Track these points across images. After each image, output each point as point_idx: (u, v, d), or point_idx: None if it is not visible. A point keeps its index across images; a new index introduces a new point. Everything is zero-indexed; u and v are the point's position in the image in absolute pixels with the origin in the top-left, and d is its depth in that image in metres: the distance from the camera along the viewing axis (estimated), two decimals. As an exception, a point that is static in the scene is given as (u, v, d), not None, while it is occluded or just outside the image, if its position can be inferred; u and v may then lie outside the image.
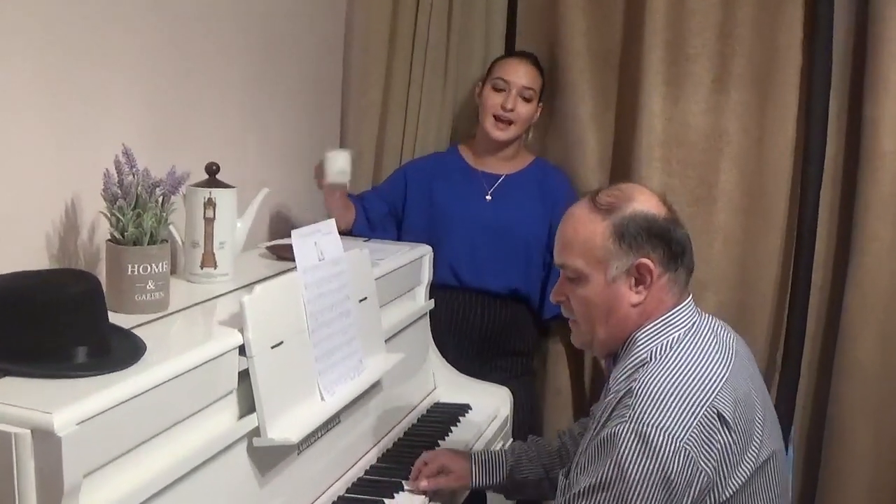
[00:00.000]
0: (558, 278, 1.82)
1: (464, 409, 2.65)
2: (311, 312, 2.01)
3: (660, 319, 1.72)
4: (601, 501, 1.58)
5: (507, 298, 2.94)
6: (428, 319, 2.79)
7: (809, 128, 2.80)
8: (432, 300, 2.80)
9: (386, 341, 2.37)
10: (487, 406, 2.68)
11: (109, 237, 1.90)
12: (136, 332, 1.71)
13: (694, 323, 1.74)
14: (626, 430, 1.57)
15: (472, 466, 2.12)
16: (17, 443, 1.31)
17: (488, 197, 2.94)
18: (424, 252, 2.77)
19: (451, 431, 2.49)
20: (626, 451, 1.56)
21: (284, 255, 2.43)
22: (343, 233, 2.61)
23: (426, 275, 2.78)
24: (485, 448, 2.48)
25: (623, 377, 1.70)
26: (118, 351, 1.58)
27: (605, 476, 1.57)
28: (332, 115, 3.22)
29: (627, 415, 1.59)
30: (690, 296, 1.78)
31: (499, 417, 2.67)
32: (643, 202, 1.73)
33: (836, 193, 2.86)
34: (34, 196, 1.93)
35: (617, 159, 3.07)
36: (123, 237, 1.86)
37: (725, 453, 1.59)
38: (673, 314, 1.73)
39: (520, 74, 2.89)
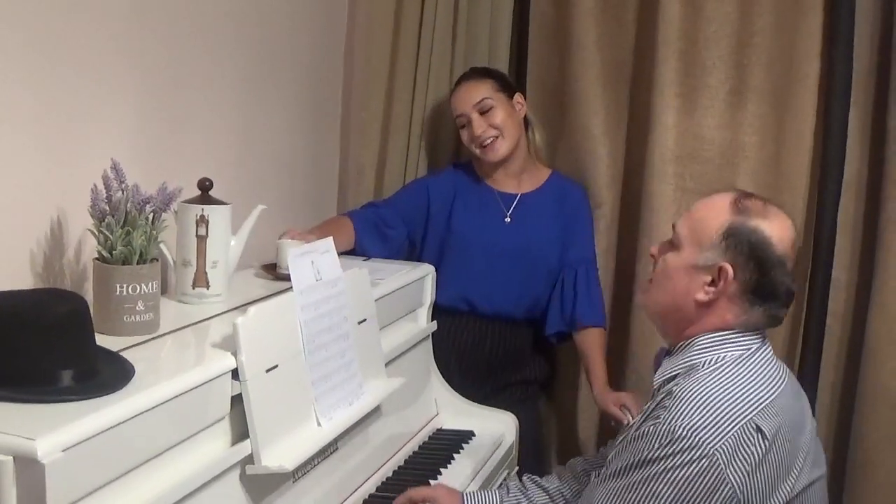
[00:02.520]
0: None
1: (467, 435, 2.65)
2: (307, 335, 2.02)
3: (725, 333, 1.78)
4: (616, 488, 1.67)
5: (520, 323, 2.95)
6: (430, 342, 2.79)
7: (828, 141, 2.81)
8: (434, 322, 2.81)
9: (386, 365, 2.38)
10: (492, 432, 2.68)
11: (97, 255, 1.91)
12: (125, 354, 1.72)
13: (758, 348, 1.79)
14: (657, 428, 1.65)
15: None
16: (-2, 470, 1.32)
17: (508, 219, 2.93)
18: (427, 272, 2.78)
19: (454, 459, 2.49)
20: (653, 445, 1.63)
21: (280, 274, 2.44)
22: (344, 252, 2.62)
23: (428, 296, 2.79)
24: (490, 475, 2.49)
25: (665, 378, 1.78)
26: (105, 374, 1.59)
27: (628, 463, 1.66)
28: (332, 128, 3.24)
29: (662, 416, 1.66)
30: (765, 334, 1.84)
31: (504, 444, 2.67)
32: (773, 228, 1.78)
33: (858, 210, 2.85)
34: (18, 212, 1.94)
35: (629, 174, 3.08)
36: (112, 256, 1.87)
37: (760, 470, 1.63)
38: (739, 334, 1.79)
39: (466, 100, 2.87)
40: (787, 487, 1.68)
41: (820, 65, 2.81)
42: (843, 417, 2.91)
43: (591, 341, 2.90)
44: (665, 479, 1.62)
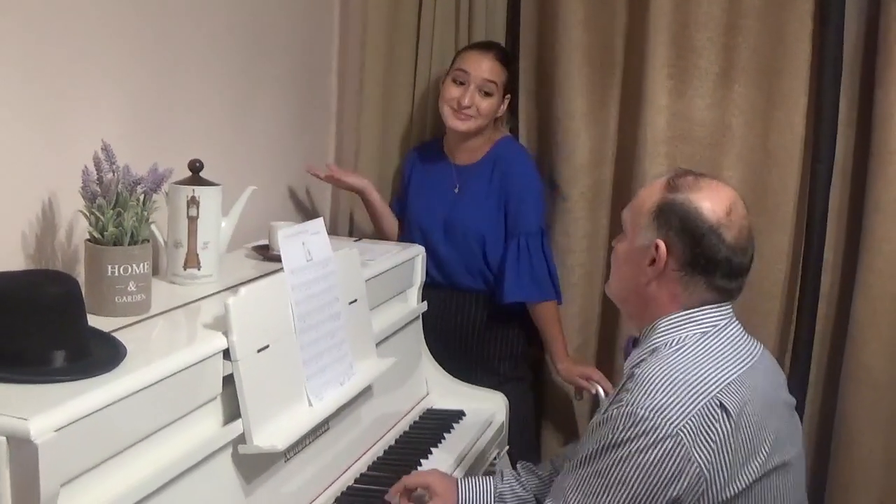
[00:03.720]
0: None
1: (457, 415, 2.66)
2: (298, 315, 2.03)
3: (685, 313, 1.77)
4: (585, 475, 1.67)
5: (481, 295, 2.95)
6: (420, 322, 2.80)
7: (819, 123, 2.81)
8: (425, 302, 2.82)
9: (377, 345, 2.38)
10: (482, 412, 2.70)
11: (88, 237, 1.91)
12: (117, 335, 1.72)
13: (725, 324, 1.79)
14: (621, 411, 1.64)
15: (459, 492, 2.10)
16: (-8, 450, 1.32)
17: (456, 189, 2.96)
18: (417, 252, 2.79)
19: (445, 439, 2.50)
20: (617, 429, 1.63)
21: (271, 255, 2.45)
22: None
23: (419, 276, 2.79)
24: (480, 454, 2.51)
25: (633, 365, 1.77)
26: (97, 355, 1.60)
27: (594, 449, 1.66)
28: (325, 109, 3.24)
29: (625, 398, 1.66)
30: (729, 306, 1.82)
31: (494, 424, 2.68)
32: (704, 199, 1.75)
33: (844, 192, 2.87)
34: (9, 194, 1.94)
35: (620, 154, 3.09)
36: (103, 237, 1.88)
37: (726, 448, 1.63)
38: (700, 311, 1.77)
39: (481, 67, 2.86)
40: (756, 465, 1.67)
41: (810, 46, 2.82)
42: (828, 397, 2.93)
43: (543, 316, 2.92)
44: (631, 464, 1.61)
